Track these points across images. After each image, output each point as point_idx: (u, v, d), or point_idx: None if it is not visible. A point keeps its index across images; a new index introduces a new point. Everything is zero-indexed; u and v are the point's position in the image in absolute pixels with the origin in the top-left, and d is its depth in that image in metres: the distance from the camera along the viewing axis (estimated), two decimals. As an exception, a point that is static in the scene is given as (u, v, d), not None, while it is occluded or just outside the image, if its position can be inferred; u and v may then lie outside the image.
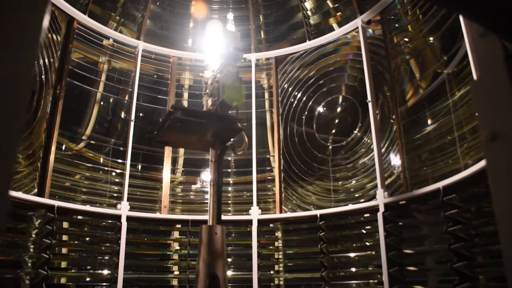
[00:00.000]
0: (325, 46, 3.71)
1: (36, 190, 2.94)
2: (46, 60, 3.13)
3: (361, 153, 3.27)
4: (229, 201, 3.69)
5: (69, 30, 3.36)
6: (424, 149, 2.78)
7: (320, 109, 3.63)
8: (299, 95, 3.76)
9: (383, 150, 3.11)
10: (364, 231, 3.08)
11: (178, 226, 3.50)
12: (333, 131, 3.53)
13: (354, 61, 3.50)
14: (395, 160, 3.01)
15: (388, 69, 3.18)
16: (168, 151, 3.73)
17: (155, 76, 3.95)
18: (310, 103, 3.68)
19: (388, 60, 3.19)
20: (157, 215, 3.42)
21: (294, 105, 3.76)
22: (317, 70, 3.73)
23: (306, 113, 3.67)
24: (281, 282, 3.29)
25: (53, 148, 3.07)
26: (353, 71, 3.50)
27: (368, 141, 3.24)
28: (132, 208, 3.33)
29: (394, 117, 3.06)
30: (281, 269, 3.36)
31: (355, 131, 3.36)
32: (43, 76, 3.10)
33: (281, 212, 3.46)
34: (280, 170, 3.64)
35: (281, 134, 3.75)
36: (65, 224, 3.08)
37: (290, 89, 3.83)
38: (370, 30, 3.39)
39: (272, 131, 3.86)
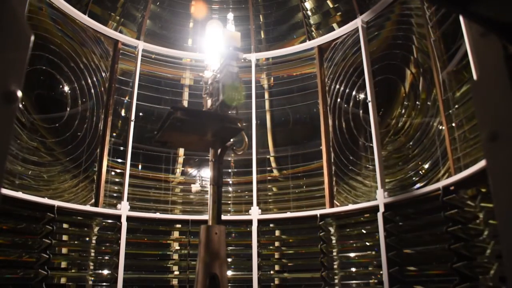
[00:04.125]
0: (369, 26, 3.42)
1: (93, 200, 3.23)
2: (95, 79, 3.44)
3: (409, 136, 2.99)
4: (230, 201, 3.69)
5: (115, 51, 3.64)
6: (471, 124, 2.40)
7: (364, 95, 3.38)
8: (343, 85, 3.54)
9: (427, 137, 2.80)
10: (364, 231, 3.08)
11: (178, 226, 3.50)
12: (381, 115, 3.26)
13: (396, 37, 3.24)
14: (440, 140, 2.68)
15: (428, 37, 2.84)
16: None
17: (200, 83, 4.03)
18: (355, 90, 3.47)
19: (427, 28, 2.87)
20: (157, 215, 3.42)
21: (340, 94, 3.56)
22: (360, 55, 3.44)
23: (352, 101, 3.47)
24: (281, 282, 3.30)
25: (105, 162, 3.36)
26: (398, 48, 3.22)
27: (417, 121, 2.97)
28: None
29: (436, 91, 2.73)
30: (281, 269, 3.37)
31: (402, 112, 3.13)
32: (93, 96, 3.43)
33: (332, 206, 3.30)
34: (330, 163, 3.48)
35: (330, 125, 3.58)
36: (65, 224, 3.08)
37: (336, 77, 3.62)
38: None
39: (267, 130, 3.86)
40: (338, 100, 3.58)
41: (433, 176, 2.72)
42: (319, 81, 3.72)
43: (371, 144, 3.19)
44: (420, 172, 2.86)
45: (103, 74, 3.53)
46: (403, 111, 3.12)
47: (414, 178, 2.89)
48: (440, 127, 2.68)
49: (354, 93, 3.49)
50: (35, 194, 2.81)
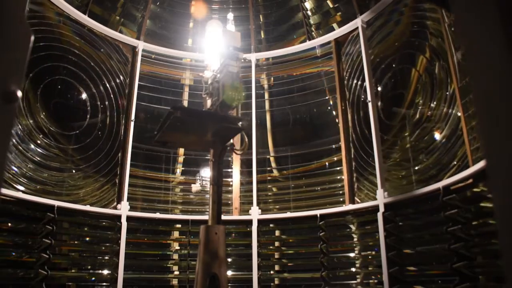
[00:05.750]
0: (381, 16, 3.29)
1: (115, 203, 3.34)
2: (113, 84, 3.58)
3: (429, 127, 2.84)
4: (230, 202, 3.69)
5: (134, 57, 3.77)
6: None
7: (385, 86, 3.27)
8: (361, 78, 3.40)
9: (446, 131, 2.68)
10: (364, 231, 3.08)
11: (178, 226, 3.50)
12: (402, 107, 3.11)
13: (415, 23, 3.11)
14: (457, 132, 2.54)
15: (442, 22, 2.71)
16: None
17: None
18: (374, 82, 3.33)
19: (441, 13, 2.74)
20: (157, 215, 3.42)
21: (359, 88, 3.43)
22: (381, 47, 3.35)
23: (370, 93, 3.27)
24: (281, 282, 3.29)
25: (128, 165, 3.42)
26: (413, 36, 3.11)
27: (436, 111, 2.82)
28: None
29: (452, 78, 2.62)
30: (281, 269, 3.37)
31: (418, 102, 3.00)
32: (114, 101, 3.55)
33: (353, 203, 3.21)
34: (350, 158, 3.38)
35: (349, 120, 3.46)
36: (65, 224, 3.08)
37: (354, 71, 3.48)
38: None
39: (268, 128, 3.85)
40: (357, 94, 3.46)
41: (452, 167, 2.59)
42: (336, 76, 3.61)
43: (386, 137, 3.13)
44: (443, 163, 2.69)
45: (122, 79, 3.65)
46: (420, 101, 2.99)
47: (433, 172, 2.76)
48: (459, 114, 2.57)
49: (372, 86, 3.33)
50: (59, 199, 2.94)
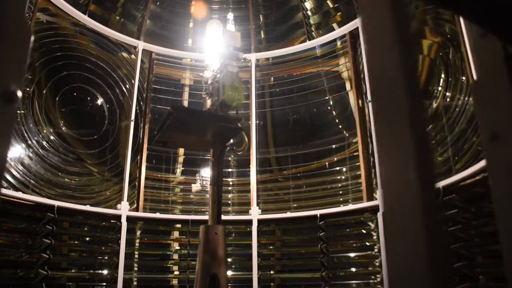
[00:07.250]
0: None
1: (135, 205, 3.45)
2: (124, 88, 3.67)
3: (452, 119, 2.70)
4: (230, 202, 3.69)
5: (150, 61, 3.86)
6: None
7: None
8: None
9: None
10: (364, 231, 3.08)
11: (178, 226, 3.50)
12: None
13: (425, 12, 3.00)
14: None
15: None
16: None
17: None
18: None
19: None
20: (157, 215, 3.42)
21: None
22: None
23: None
24: (281, 282, 3.29)
25: (144, 168, 3.55)
26: (425, 23, 2.99)
27: (451, 100, 2.72)
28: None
29: (465, 64, 2.52)
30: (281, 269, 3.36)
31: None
32: (131, 104, 3.62)
33: (372, 199, 3.12)
34: (368, 154, 3.29)
35: (367, 114, 3.39)
36: (65, 224, 3.08)
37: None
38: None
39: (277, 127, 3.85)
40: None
41: (471, 160, 2.46)
42: (352, 70, 3.55)
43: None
44: (457, 157, 2.60)
45: (139, 84, 3.72)
46: (435, 91, 2.89)
47: (450, 164, 2.64)
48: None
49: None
50: (79, 202, 3.06)
